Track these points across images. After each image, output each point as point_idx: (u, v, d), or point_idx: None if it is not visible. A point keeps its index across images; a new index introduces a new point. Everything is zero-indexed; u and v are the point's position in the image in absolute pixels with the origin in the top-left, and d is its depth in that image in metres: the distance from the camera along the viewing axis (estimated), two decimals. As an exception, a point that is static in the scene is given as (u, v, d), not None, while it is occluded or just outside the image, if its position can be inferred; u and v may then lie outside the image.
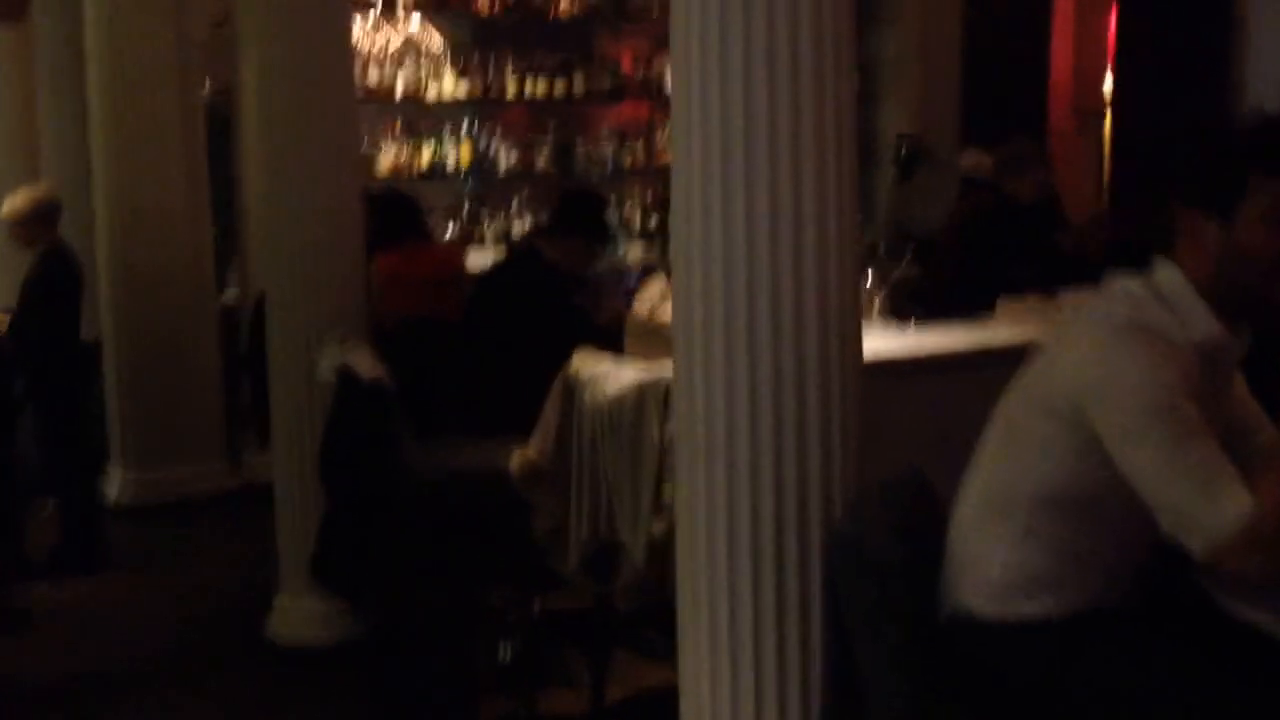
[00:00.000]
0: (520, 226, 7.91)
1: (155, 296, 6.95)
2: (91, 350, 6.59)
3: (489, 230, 7.78)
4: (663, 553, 3.97)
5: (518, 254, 5.35)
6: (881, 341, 4.39)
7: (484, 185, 7.90)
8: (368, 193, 5.62)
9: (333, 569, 4.49)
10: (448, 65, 7.72)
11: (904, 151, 8.03)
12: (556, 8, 7.97)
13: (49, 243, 6.10)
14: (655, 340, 4.28)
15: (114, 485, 7.04)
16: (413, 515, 4.42)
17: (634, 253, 7.87)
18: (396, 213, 5.94)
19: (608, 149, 8.14)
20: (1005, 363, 2.82)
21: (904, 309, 4.98)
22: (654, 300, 4.34)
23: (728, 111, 2.63)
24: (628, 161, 8.18)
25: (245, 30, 7.10)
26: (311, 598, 4.92)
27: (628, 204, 8.18)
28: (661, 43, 8.28)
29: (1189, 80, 7.45)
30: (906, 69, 8.58)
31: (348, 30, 5.14)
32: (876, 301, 4.99)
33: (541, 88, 7.94)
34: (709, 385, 2.72)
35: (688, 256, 2.76)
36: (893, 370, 4.24)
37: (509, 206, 7.98)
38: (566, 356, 5.19)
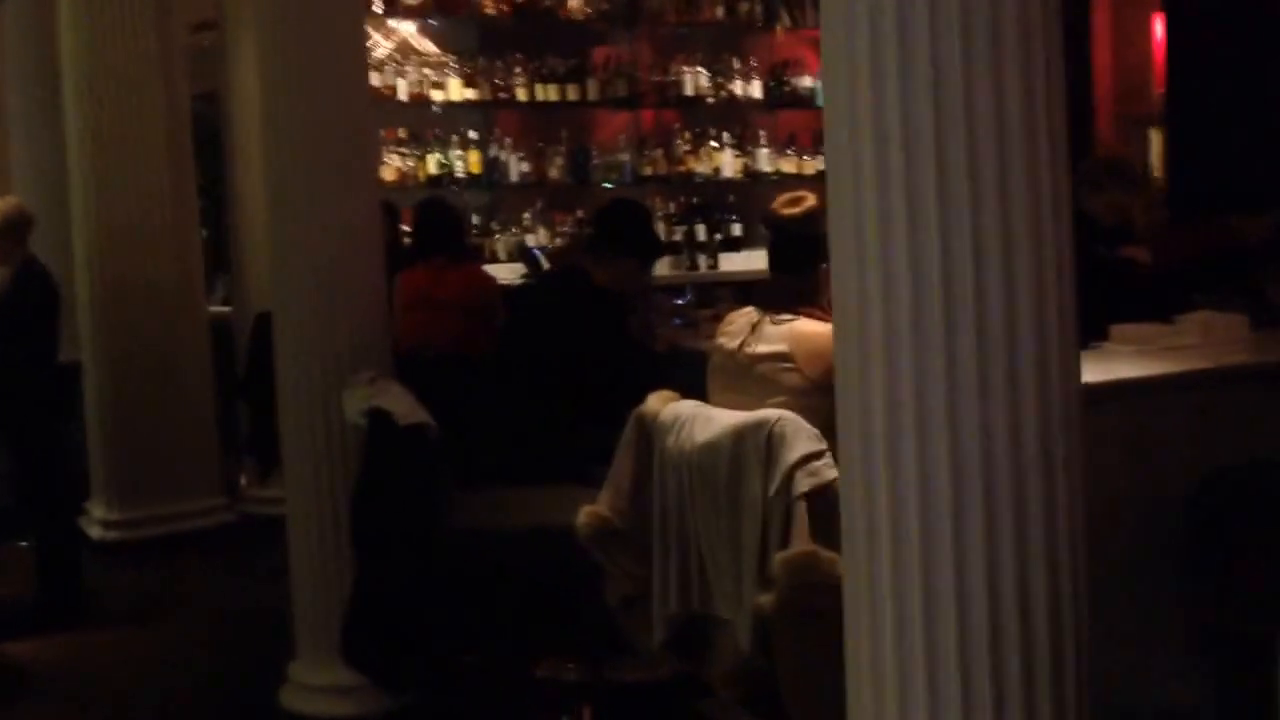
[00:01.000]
0: (534, 240, 7.34)
1: (141, 316, 6.36)
2: (71, 374, 5.97)
3: (500, 244, 7.19)
4: (771, 632, 3.44)
5: (561, 276, 4.78)
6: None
7: (494, 195, 7.32)
8: (386, 204, 5.05)
9: (366, 647, 3.91)
10: (453, 69, 7.13)
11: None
12: (567, 9, 7.40)
13: (21, 259, 5.50)
14: (748, 379, 3.74)
15: (95, 522, 6.41)
16: (459, 579, 3.85)
17: (660, 268, 7.31)
18: (433, 225, 5.37)
19: (624, 157, 7.58)
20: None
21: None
22: (743, 333, 3.78)
23: (911, 112, 2.10)
24: (648, 170, 7.62)
25: (234, 32, 6.53)
26: (333, 669, 4.32)
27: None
28: (679, 46, 7.78)
29: (1247, 88, 6.99)
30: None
31: (361, 30, 4.56)
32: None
33: (553, 93, 7.38)
34: (894, 445, 2.17)
35: (861, 284, 2.21)
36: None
37: (520, 219, 7.41)
38: (624, 392, 4.64)
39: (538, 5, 7.34)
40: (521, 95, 7.29)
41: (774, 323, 3.74)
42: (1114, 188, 5.34)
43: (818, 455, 3.47)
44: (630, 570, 3.77)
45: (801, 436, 3.47)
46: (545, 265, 6.96)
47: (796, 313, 3.73)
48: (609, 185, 7.55)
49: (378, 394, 3.75)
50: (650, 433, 3.73)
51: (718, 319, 5.45)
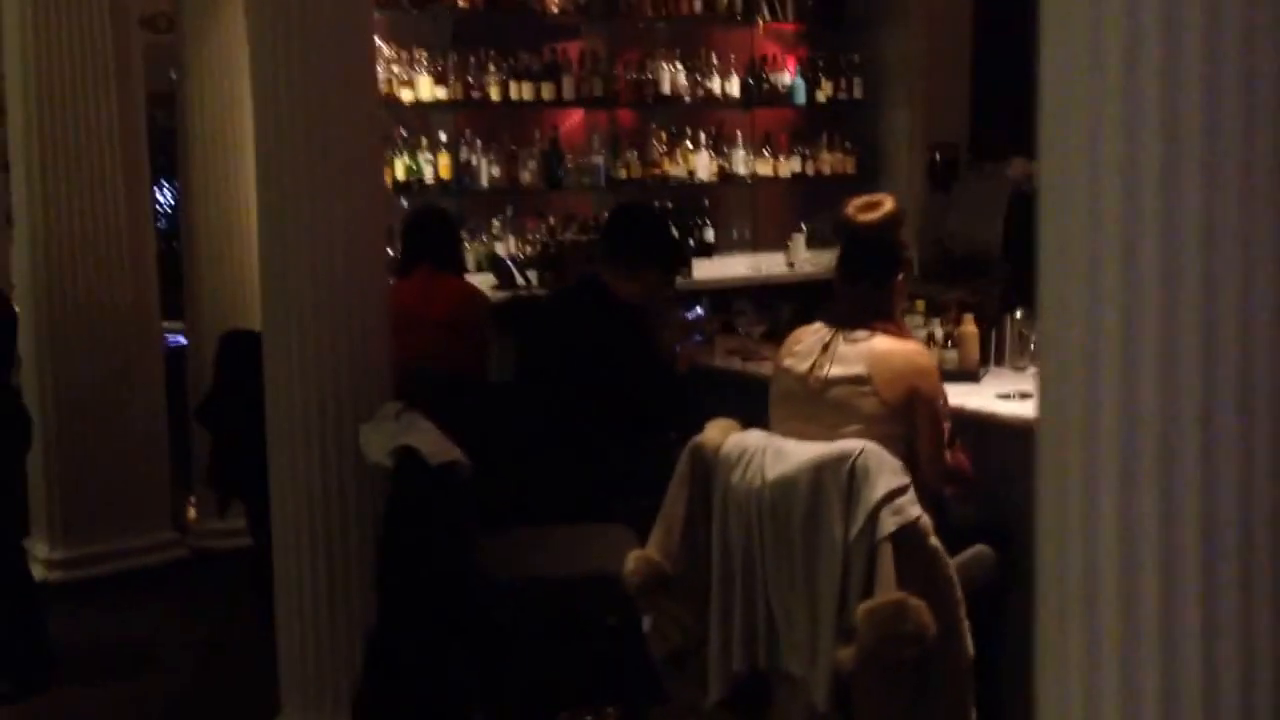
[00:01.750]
0: (505, 249, 6.91)
1: (88, 337, 5.85)
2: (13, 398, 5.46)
3: (470, 253, 6.75)
4: (853, 689, 3.08)
5: (580, 290, 4.37)
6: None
7: (461, 202, 6.88)
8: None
9: (385, 706, 3.48)
10: (423, 66, 6.69)
11: (939, 160, 7.21)
12: (541, 2, 6.99)
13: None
14: (821, 406, 3.37)
15: (37, 562, 5.89)
16: (492, 630, 3.44)
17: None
18: (425, 234, 4.94)
19: (598, 159, 7.18)
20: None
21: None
22: (813, 354, 3.41)
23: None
24: (622, 173, 7.23)
25: (195, 24, 6.07)
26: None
27: (622, 222, 7.22)
28: (657, 43, 7.40)
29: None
30: (913, 72, 7.78)
31: (369, 16, 4.12)
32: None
33: (527, 91, 6.96)
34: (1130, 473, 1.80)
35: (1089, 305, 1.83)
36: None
37: (490, 226, 6.98)
38: (654, 418, 4.27)
39: (511, -1, 6.92)
40: (494, 94, 6.86)
41: (849, 341, 3.37)
42: None
43: (902, 491, 3.12)
44: (682, 621, 3.39)
45: (886, 470, 3.12)
46: (518, 277, 6.56)
47: (872, 329, 3.37)
48: (581, 188, 7.15)
49: (405, 430, 3.33)
50: (709, 467, 3.35)
51: (729, 331, 5.11)
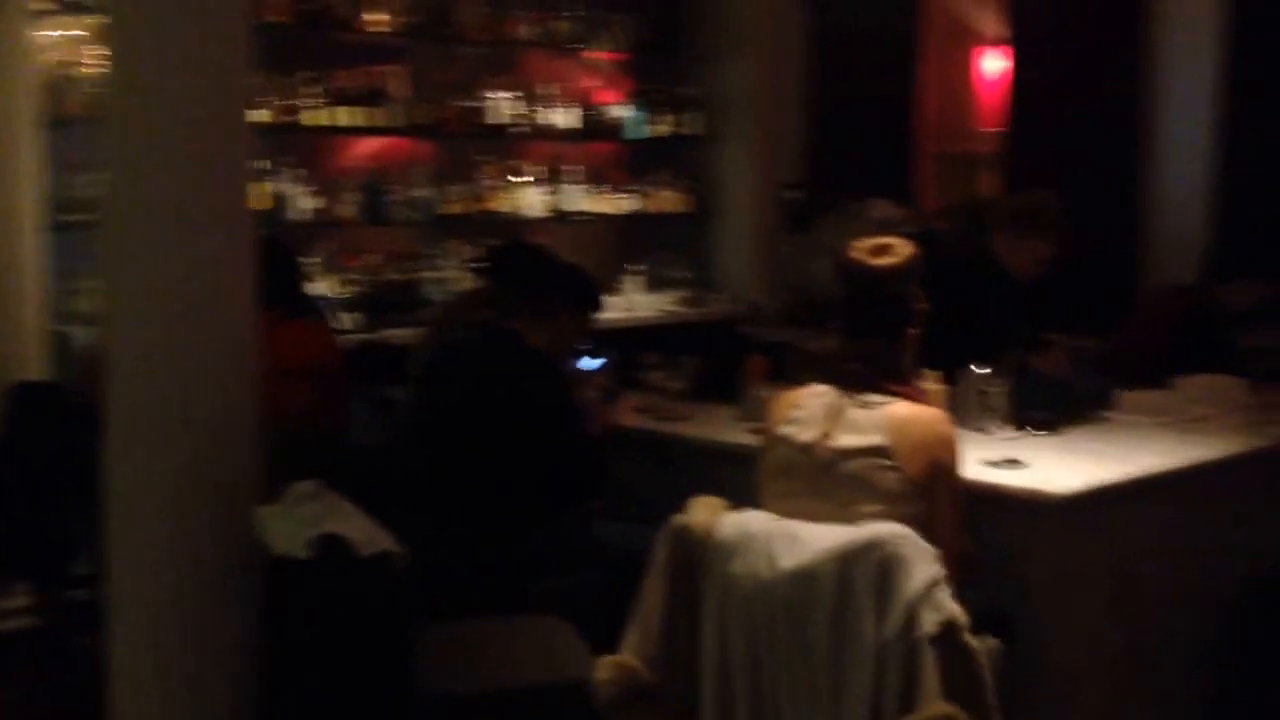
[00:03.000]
0: (321, 288, 6.21)
1: None
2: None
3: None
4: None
5: (486, 341, 3.78)
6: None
7: (278, 234, 6.14)
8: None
9: None
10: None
11: (796, 200, 6.85)
12: (363, 21, 6.34)
13: None
14: (832, 481, 2.88)
15: None
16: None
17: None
18: (265, 270, 4.26)
19: (424, 193, 6.56)
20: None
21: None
22: (820, 420, 2.92)
23: None
24: (451, 208, 6.62)
25: None
26: None
27: (448, 262, 6.62)
28: (488, 67, 6.85)
29: (1090, 131, 6.67)
30: (752, 107, 7.42)
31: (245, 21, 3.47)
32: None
33: (351, 118, 6.29)
34: None
35: None
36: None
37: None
38: (579, 488, 3.72)
39: (331, 15, 6.23)
40: (312, 119, 6.16)
41: (862, 406, 2.89)
42: (1036, 235, 4.71)
43: (938, 582, 2.66)
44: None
45: (922, 559, 2.66)
46: (332, 319, 5.89)
47: (888, 392, 2.90)
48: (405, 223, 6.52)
49: (326, 514, 2.68)
50: (697, 555, 2.82)
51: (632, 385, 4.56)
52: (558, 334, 3.74)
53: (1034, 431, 3.72)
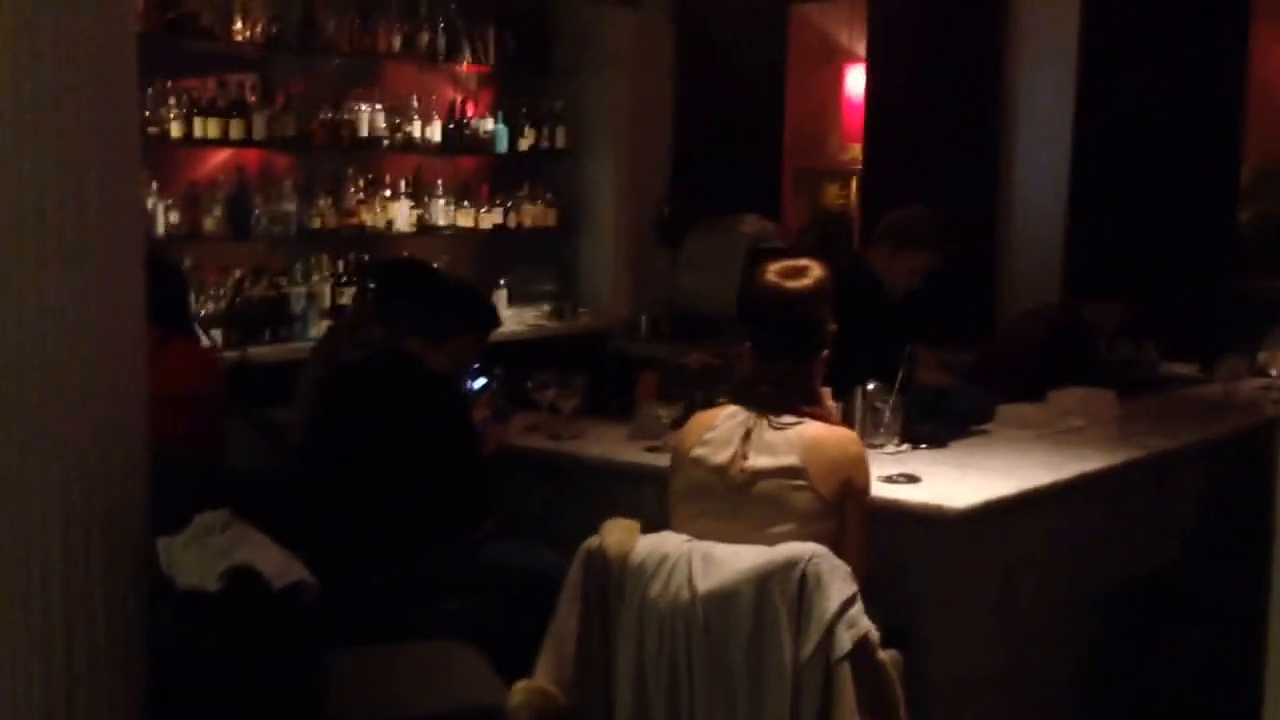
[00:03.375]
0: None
1: None
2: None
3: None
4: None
5: (382, 363, 3.74)
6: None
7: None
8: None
9: None
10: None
11: (666, 214, 6.89)
12: (230, 30, 6.21)
13: None
14: (745, 501, 2.91)
15: None
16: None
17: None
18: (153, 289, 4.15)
19: (290, 206, 6.45)
20: None
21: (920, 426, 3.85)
22: (733, 441, 2.95)
23: None
24: (316, 222, 6.52)
25: None
26: None
27: (315, 276, 6.53)
28: (353, 79, 6.77)
29: (947, 147, 6.84)
30: (616, 122, 7.46)
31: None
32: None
33: (213, 129, 6.16)
34: None
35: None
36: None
37: (168, 280, 6.10)
38: (474, 510, 3.71)
39: (194, 24, 6.09)
40: (176, 130, 6.02)
41: (775, 427, 2.93)
42: (913, 249, 4.84)
43: (853, 601, 2.72)
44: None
45: (838, 578, 2.72)
46: (203, 338, 5.75)
47: (800, 413, 2.94)
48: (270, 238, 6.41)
49: (237, 545, 2.63)
50: (611, 577, 2.83)
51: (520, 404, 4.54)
52: (453, 355, 3.71)
53: (923, 446, 3.81)
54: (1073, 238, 6.33)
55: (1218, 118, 6.11)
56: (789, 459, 2.89)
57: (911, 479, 3.44)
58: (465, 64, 7.12)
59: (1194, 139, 6.15)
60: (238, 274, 6.31)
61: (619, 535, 2.84)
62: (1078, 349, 5.00)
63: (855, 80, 7.48)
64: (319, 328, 6.25)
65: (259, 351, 5.98)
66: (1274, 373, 4.95)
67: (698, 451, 2.98)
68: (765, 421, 2.94)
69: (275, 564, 2.68)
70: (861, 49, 7.41)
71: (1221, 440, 4.31)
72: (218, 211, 6.25)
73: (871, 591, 2.96)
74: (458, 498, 3.60)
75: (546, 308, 7.33)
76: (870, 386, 3.80)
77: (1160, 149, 6.24)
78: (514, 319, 7.12)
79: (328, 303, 6.50)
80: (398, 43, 6.82)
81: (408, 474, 3.52)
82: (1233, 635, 3.87)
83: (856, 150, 7.44)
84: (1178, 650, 3.92)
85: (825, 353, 3.05)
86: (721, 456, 2.94)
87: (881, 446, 3.72)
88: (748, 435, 2.93)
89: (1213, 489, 4.34)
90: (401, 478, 3.52)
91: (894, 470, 3.49)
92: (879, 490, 3.29)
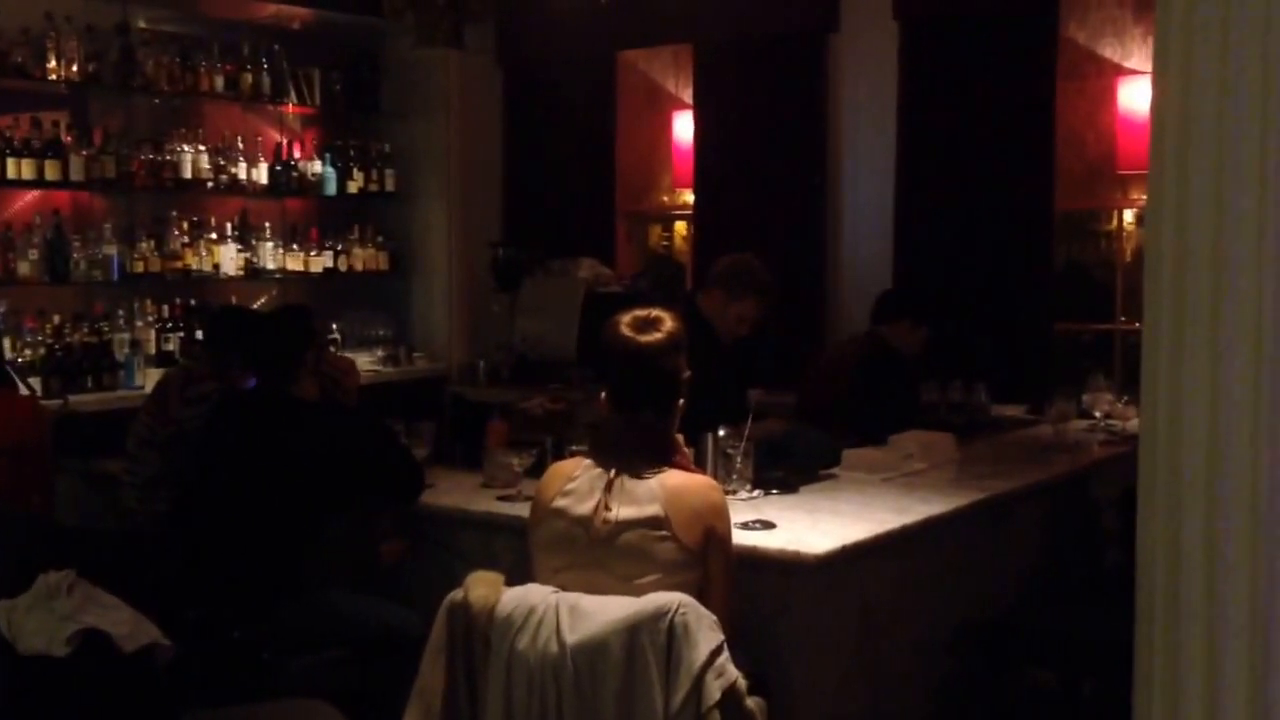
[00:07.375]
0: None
1: None
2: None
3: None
4: None
5: (261, 398, 3.64)
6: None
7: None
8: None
9: None
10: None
11: (500, 257, 6.84)
12: (44, 68, 6.00)
13: None
14: (609, 553, 2.89)
15: None
16: None
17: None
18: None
19: (111, 250, 6.24)
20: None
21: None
22: (594, 493, 2.92)
23: None
24: (139, 266, 6.32)
25: None
26: None
27: (139, 322, 6.31)
28: (175, 120, 6.60)
29: (774, 191, 6.95)
30: (446, 165, 7.42)
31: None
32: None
33: (28, 170, 5.93)
34: None
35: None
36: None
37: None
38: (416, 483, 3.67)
39: (5, 60, 5.86)
40: (-10, 172, 5.79)
41: (635, 477, 2.92)
42: (745, 295, 4.89)
43: (720, 650, 2.72)
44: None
45: (705, 627, 2.72)
46: (21, 386, 5.52)
47: (661, 463, 2.94)
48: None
49: (84, 606, 2.51)
50: (477, 631, 2.78)
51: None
52: (314, 374, 3.64)
53: (774, 491, 3.84)
54: (898, 278, 6.47)
55: (1029, 165, 6.31)
56: (652, 509, 2.88)
57: (767, 525, 3.45)
58: (290, 105, 7.01)
59: (1009, 186, 6.35)
60: (56, 320, 6.07)
61: (483, 589, 2.79)
62: (887, 374, 5.13)
63: (684, 126, 7.53)
64: (145, 375, 6.05)
65: (81, 400, 5.76)
66: (1098, 414, 5.14)
67: (559, 502, 2.95)
68: (625, 472, 2.93)
69: (126, 626, 2.57)
70: (688, 95, 7.48)
71: (1056, 481, 4.44)
72: (34, 255, 6.02)
73: (736, 639, 2.97)
74: (397, 473, 3.58)
75: (380, 353, 7.22)
76: (721, 433, 3.81)
77: (977, 198, 6.43)
78: (348, 364, 6.98)
79: (153, 349, 6.30)
80: (220, 82, 6.68)
81: (277, 517, 3.43)
82: (1077, 671, 3.99)
83: (687, 195, 7.50)
84: (1024, 687, 4.00)
85: (681, 401, 3.05)
86: (584, 508, 2.91)
87: (735, 493, 3.73)
88: (609, 486, 2.91)
89: (1049, 528, 4.47)
90: (253, 525, 3.41)
91: (749, 516, 3.50)
92: (737, 537, 3.29)
